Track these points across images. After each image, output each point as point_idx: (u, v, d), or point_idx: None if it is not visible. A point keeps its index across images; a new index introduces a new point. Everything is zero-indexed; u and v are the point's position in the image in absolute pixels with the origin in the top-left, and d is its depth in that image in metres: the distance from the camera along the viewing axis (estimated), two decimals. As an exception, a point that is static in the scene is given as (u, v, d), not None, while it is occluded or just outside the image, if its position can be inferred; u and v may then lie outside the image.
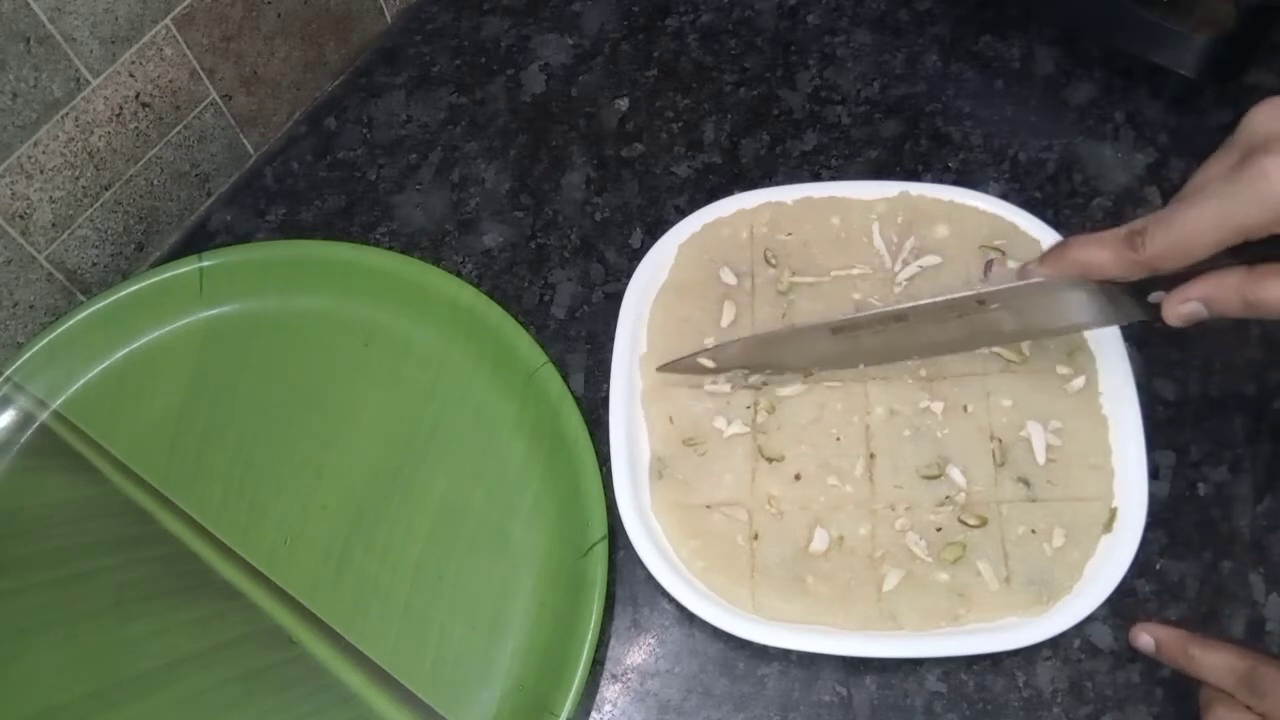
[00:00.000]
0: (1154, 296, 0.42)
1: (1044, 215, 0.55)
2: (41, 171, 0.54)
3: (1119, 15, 0.58)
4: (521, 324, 0.54)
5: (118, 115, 0.56)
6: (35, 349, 0.55)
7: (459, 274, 0.57)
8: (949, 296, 0.47)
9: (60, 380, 0.55)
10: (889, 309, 0.49)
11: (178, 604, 0.50)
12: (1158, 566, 0.48)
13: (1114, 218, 0.57)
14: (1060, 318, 0.46)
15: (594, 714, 0.48)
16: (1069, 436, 0.49)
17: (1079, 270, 0.43)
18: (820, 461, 0.50)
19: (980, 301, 0.46)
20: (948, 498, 0.48)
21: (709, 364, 0.51)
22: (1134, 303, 0.43)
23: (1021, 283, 0.45)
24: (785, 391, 0.51)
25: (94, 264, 0.60)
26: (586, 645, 0.46)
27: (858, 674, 0.47)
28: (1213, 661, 0.42)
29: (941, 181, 0.58)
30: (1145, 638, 0.44)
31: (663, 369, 0.51)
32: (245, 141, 0.65)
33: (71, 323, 0.55)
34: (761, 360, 0.51)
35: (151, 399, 0.55)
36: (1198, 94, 0.60)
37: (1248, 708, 0.40)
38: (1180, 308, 0.41)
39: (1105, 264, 0.42)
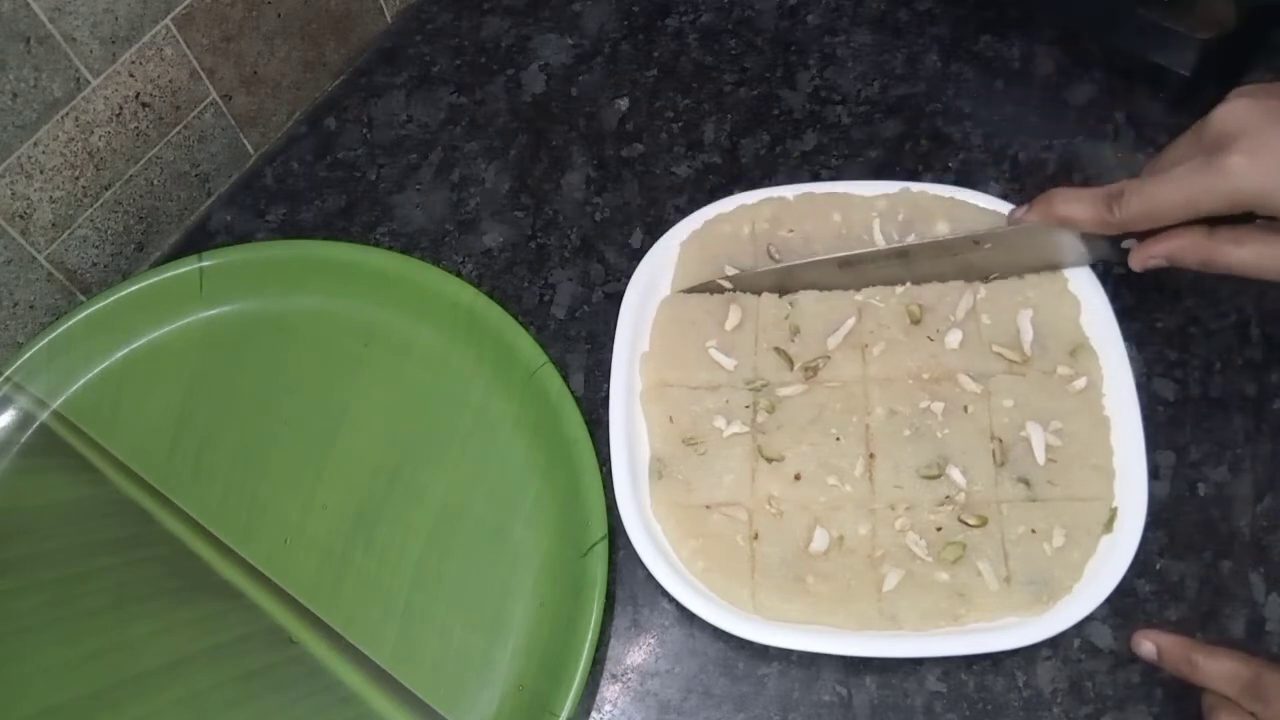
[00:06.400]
0: (1126, 243, 0.49)
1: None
2: (41, 171, 0.54)
3: (1119, 15, 0.58)
4: (521, 324, 0.54)
5: (118, 115, 0.56)
6: (35, 349, 0.55)
7: (459, 274, 0.57)
8: (948, 237, 0.53)
9: (60, 380, 0.55)
10: (891, 246, 0.53)
11: (178, 604, 0.50)
12: (1158, 566, 0.48)
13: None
14: (1043, 256, 0.52)
15: (594, 714, 0.48)
16: (1069, 437, 0.49)
17: (1061, 222, 0.50)
18: (820, 461, 0.50)
19: (975, 242, 0.52)
20: (948, 498, 0.48)
21: (727, 285, 0.54)
22: (1108, 246, 0.50)
23: (1011, 227, 0.52)
24: (785, 391, 0.51)
25: (94, 264, 0.60)
26: (586, 645, 0.46)
27: (858, 674, 0.47)
28: (1216, 668, 0.41)
29: (942, 181, 0.58)
30: (1147, 645, 0.43)
31: (686, 290, 0.54)
32: (245, 141, 0.65)
33: (71, 323, 0.55)
34: (775, 284, 0.54)
35: (151, 399, 0.55)
36: (1198, 94, 0.60)
37: (1252, 714, 0.40)
38: (1146, 261, 0.47)
39: (1084, 220, 0.49)
